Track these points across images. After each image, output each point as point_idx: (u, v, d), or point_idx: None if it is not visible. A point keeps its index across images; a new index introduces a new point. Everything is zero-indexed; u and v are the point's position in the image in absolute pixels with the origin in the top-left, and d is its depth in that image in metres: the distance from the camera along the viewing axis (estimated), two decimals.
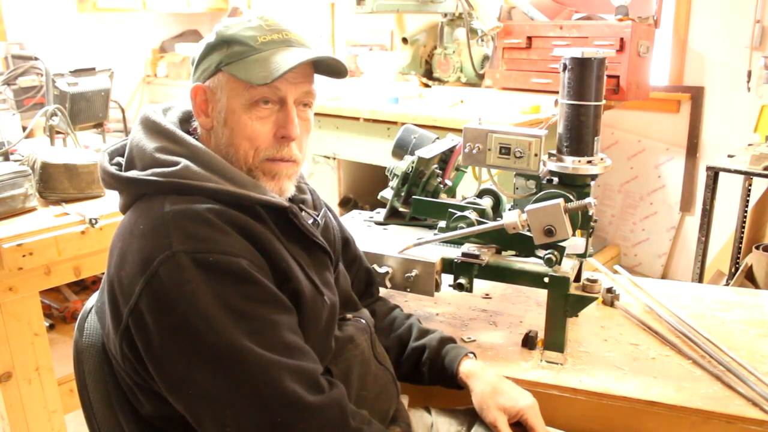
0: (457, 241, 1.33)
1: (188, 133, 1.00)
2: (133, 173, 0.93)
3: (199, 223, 0.87)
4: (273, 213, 0.96)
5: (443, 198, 1.47)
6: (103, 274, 0.95)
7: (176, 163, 0.92)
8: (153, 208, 0.89)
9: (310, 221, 1.09)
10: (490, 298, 1.57)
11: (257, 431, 0.85)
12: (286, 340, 0.88)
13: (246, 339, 0.84)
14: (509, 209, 1.30)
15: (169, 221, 0.87)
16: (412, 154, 1.48)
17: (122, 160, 0.99)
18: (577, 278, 1.35)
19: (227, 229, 0.88)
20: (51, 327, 2.44)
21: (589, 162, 1.23)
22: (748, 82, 3.20)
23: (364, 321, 1.13)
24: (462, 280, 1.28)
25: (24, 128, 2.16)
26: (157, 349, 0.85)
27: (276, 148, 0.98)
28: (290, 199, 1.03)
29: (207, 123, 0.99)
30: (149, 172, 0.92)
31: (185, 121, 1.04)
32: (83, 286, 2.72)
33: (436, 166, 1.50)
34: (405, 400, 1.19)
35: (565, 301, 1.23)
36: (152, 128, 0.97)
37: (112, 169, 0.96)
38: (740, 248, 2.96)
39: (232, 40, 0.96)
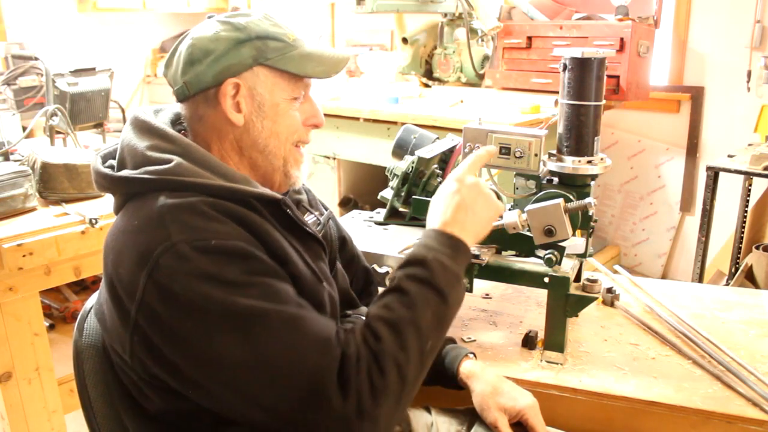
0: None
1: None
2: (125, 172, 0.93)
3: (195, 214, 0.87)
4: (267, 206, 0.96)
5: None
6: (102, 274, 0.95)
7: (169, 161, 0.91)
8: (146, 204, 0.89)
9: (312, 219, 1.10)
10: (490, 298, 1.57)
11: (296, 381, 0.83)
12: (296, 299, 0.89)
13: (260, 301, 0.84)
14: (509, 209, 1.30)
15: (164, 214, 0.87)
16: (412, 154, 1.48)
17: (114, 163, 0.98)
18: (577, 278, 1.35)
19: (223, 218, 0.88)
20: (51, 327, 2.44)
21: (589, 162, 1.23)
22: (748, 82, 3.20)
23: (364, 318, 1.13)
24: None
25: (24, 128, 2.16)
26: (176, 336, 0.84)
27: (305, 134, 1.05)
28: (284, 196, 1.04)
29: (239, 119, 0.98)
30: (142, 170, 0.91)
31: (176, 123, 1.04)
32: (83, 286, 2.72)
33: (436, 166, 1.50)
34: None
35: (565, 301, 1.23)
36: (142, 127, 0.97)
37: (104, 169, 0.96)
38: (740, 248, 2.96)
39: (266, 36, 0.97)
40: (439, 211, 1.01)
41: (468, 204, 1.01)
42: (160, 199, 0.88)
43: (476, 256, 1.26)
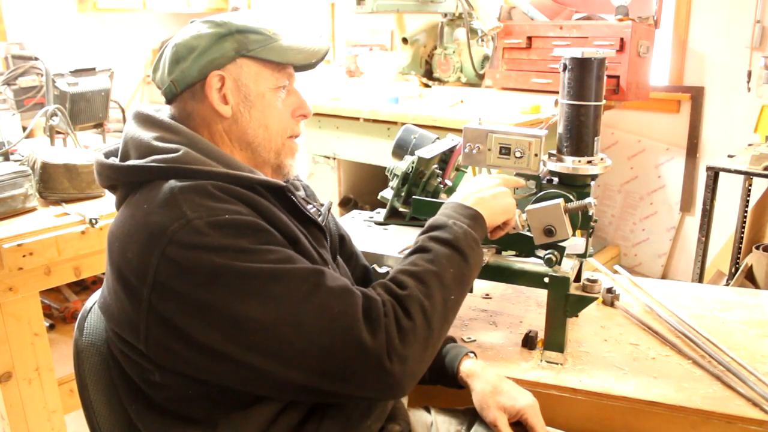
0: None
1: None
2: (132, 162, 0.94)
3: (206, 195, 0.89)
4: (271, 192, 0.98)
5: (443, 198, 1.47)
6: (103, 274, 0.95)
7: (177, 150, 0.93)
8: (155, 190, 0.90)
9: (312, 210, 1.13)
10: (490, 298, 1.57)
11: (324, 328, 0.85)
12: (310, 264, 0.92)
13: (278, 264, 0.87)
14: None
15: (177, 195, 0.88)
16: (412, 154, 1.48)
17: (117, 158, 1.00)
18: (577, 278, 1.35)
19: (232, 200, 0.90)
20: (51, 327, 2.44)
21: (589, 162, 1.23)
22: (748, 82, 3.20)
23: None
24: None
25: (24, 128, 2.16)
26: (198, 309, 0.84)
27: (296, 126, 1.07)
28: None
29: (226, 111, 1.00)
30: (149, 159, 0.93)
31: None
32: (83, 286, 2.72)
33: (436, 166, 1.50)
34: (404, 399, 1.19)
35: (565, 301, 1.23)
36: (147, 120, 0.99)
37: (110, 161, 0.98)
38: (740, 248, 2.96)
39: (247, 30, 1.00)
40: (463, 191, 1.13)
41: (488, 194, 1.11)
42: (171, 182, 0.90)
43: None
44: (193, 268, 0.84)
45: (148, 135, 0.96)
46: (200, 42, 0.98)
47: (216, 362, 0.86)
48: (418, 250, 1.01)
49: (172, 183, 0.90)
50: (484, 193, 1.11)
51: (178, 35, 1.02)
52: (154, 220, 0.87)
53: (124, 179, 0.97)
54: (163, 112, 1.05)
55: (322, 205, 1.19)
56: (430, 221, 1.06)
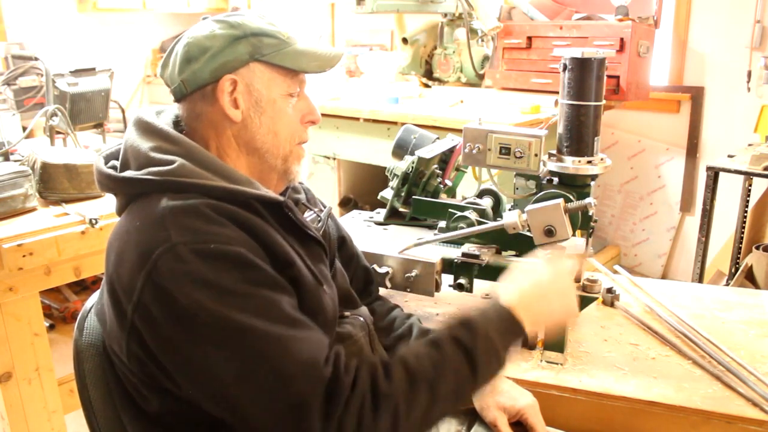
0: (457, 242, 1.33)
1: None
2: (128, 173, 0.93)
3: (196, 216, 0.87)
4: (268, 207, 0.97)
5: (443, 198, 1.47)
6: (103, 274, 0.95)
7: (172, 162, 0.92)
8: (149, 205, 0.89)
9: (310, 217, 1.11)
10: (490, 298, 1.56)
11: (279, 403, 0.82)
12: (291, 316, 0.88)
13: (253, 317, 0.83)
14: (509, 209, 1.30)
15: (166, 216, 0.87)
16: (412, 154, 1.48)
17: (117, 163, 0.99)
18: (577, 278, 1.35)
19: (224, 221, 0.88)
20: (51, 327, 2.45)
21: (589, 162, 1.23)
22: (748, 82, 3.20)
23: (362, 318, 1.13)
24: (462, 281, 1.28)
25: (24, 128, 2.16)
26: (167, 340, 0.84)
27: (304, 132, 1.05)
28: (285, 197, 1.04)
29: (237, 116, 0.98)
30: (145, 171, 0.92)
31: (177, 124, 1.04)
32: (83, 286, 2.73)
33: (436, 166, 1.51)
34: None
35: None
36: (146, 128, 0.98)
37: (108, 170, 0.97)
38: (740, 248, 2.96)
39: (262, 33, 0.98)
40: (521, 288, 1.00)
41: (550, 299, 1.01)
42: (163, 201, 0.88)
43: (476, 256, 1.26)
44: (171, 299, 0.82)
45: (146, 145, 0.95)
46: (214, 43, 0.96)
47: (181, 390, 0.88)
48: (434, 343, 0.91)
49: (164, 202, 0.88)
50: (541, 303, 1.00)
51: (191, 33, 0.99)
52: (143, 240, 0.86)
53: (121, 190, 0.96)
54: (168, 113, 1.04)
55: (321, 210, 1.18)
56: (465, 315, 0.95)
